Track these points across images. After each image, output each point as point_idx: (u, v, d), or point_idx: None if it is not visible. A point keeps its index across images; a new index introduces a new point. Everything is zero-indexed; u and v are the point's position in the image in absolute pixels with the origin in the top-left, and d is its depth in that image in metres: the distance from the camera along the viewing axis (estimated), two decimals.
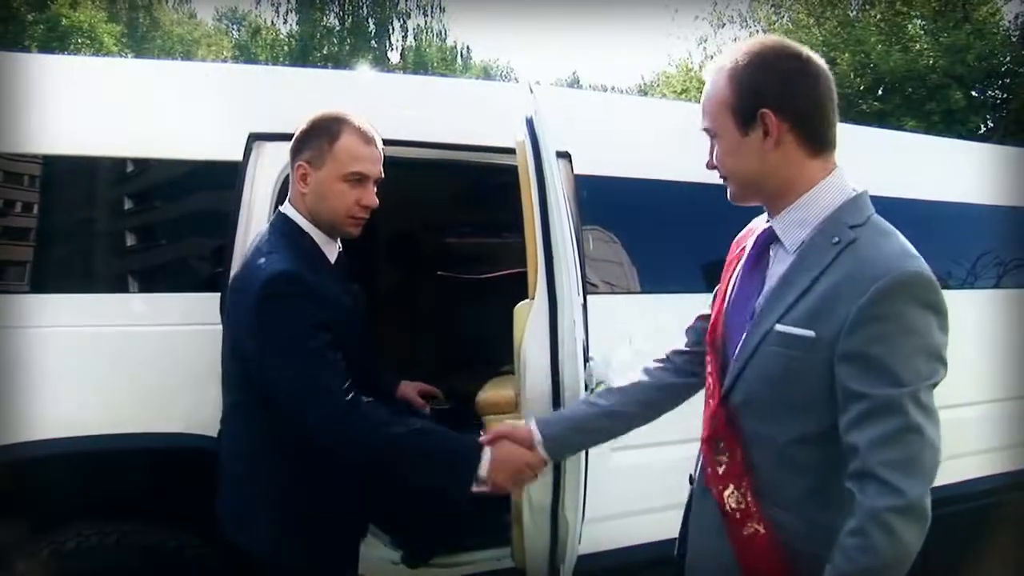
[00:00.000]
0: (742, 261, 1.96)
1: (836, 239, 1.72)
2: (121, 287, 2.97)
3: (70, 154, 2.92)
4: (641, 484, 3.49)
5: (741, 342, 1.85)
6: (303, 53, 29.39)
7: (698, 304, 3.57)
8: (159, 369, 2.91)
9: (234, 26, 43.96)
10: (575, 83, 50.90)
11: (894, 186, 4.22)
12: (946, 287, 4.31)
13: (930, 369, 1.62)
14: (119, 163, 2.99)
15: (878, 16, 19.42)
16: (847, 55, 17.67)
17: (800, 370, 1.71)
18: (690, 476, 2.13)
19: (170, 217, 3.08)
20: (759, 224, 1.98)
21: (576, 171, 3.44)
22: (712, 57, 18.17)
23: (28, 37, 24.41)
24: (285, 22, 31.24)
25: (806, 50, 1.80)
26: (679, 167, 3.70)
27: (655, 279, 3.63)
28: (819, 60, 1.80)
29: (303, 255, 2.36)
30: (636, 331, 3.48)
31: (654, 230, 3.67)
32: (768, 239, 1.87)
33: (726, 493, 1.86)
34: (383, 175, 2.44)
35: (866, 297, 1.61)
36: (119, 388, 2.87)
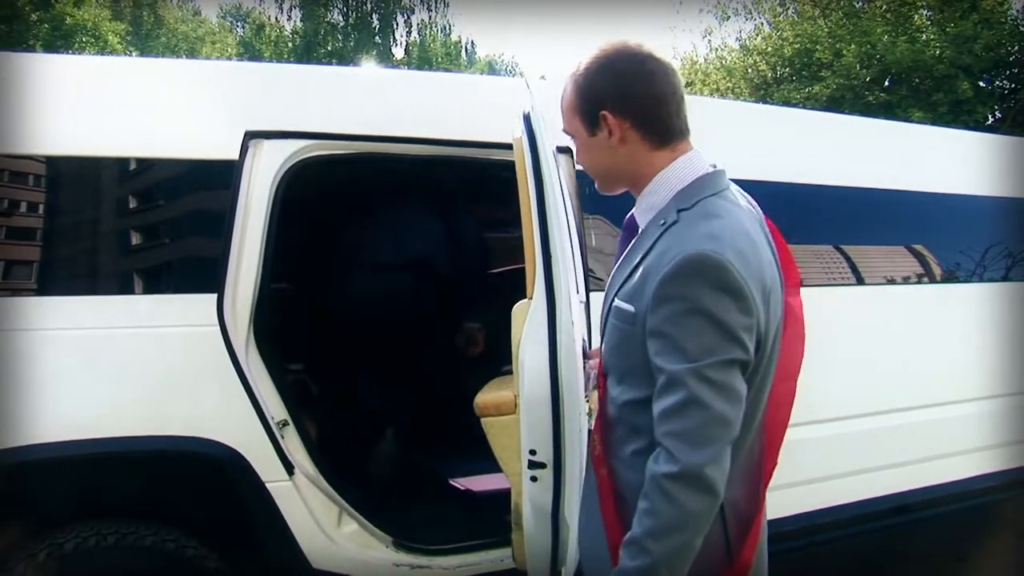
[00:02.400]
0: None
1: (663, 221, 1.84)
2: (127, 288, 2.97)
3: (72, 155, 2.90)
4: None
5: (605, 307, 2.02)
6: (307, 50, 29.35)
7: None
8: (159, 371, 2.90)
9: (238, 23, 43.98)
10: None
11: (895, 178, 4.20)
12: (952, 280, 4.34)
13: (721, 347, 1.69)
14: (121, 163, 2.97)
15: (884, 7, 19.30)
16: (853, 46, 17.57)
17: (628, 341, 1.86)
18: None
19: (169, 217, 3.06)
20: None
21: (579, 166, 3.39)
22: (717, 50, 18.13)
23: (32, 36, 24.44)
24: (289, 18, 31.21)
25: (647, 50, 1.90)
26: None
27: None
28: (659, 58, 1.91)
29: None
30: None
31: None
32: (633, 225, 2.00)
33: (593, 439, 2.08)
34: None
35: (660, 277, 1.73)
36: (121, 390, 2.86)
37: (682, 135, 1.93)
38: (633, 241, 1.95)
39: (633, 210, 2.02)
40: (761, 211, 2.04)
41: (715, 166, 1.94)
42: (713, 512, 1.72)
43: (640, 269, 1.83)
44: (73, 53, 19.23)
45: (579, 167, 2.09)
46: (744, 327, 1.72)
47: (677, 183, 1.89)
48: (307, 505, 3.02)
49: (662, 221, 1.84)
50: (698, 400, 1.67)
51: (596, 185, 2.05)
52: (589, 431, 2.28)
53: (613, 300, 1.92)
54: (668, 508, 1.67)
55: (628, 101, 1.88)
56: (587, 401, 2.42)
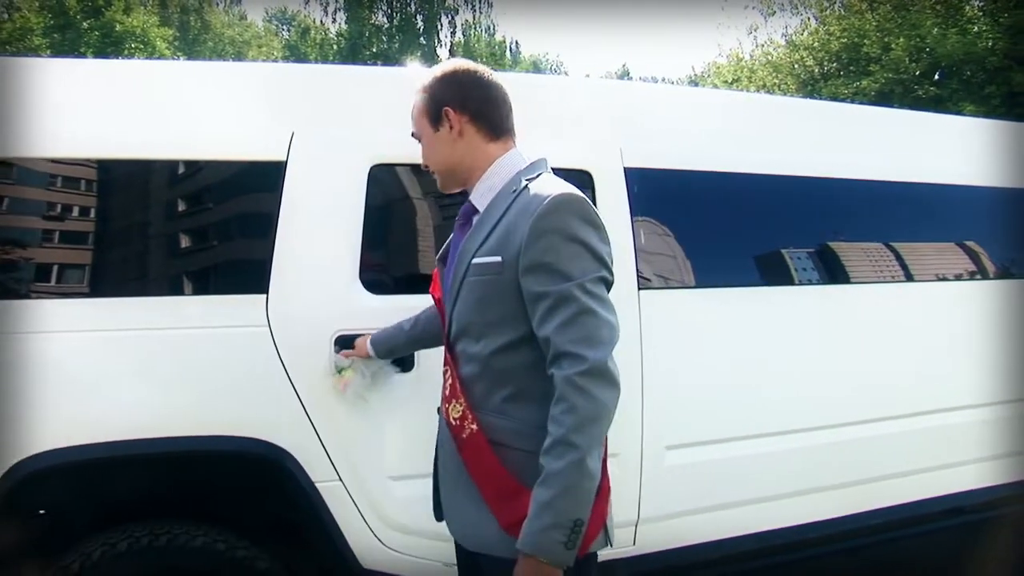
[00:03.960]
0: (454, 233, 2.38)
1: (513, 188, 2.17)
2: (176, 290, 3.00)
3: (122, 158, 2.93)
4: (696, 483, 3.45)
5: (450, 284, 2.27)
6: (352, 51, 29.54)
7: (749, 297, 3.52)
8: (210, 371, 2.92)
9: (284, 26, 44.43)
10: (625, 75, 50.68)
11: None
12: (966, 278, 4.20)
13: (593, 267, 2.03)
14: (170, 165, 3.00)
15: None
16: (902, 40, 17.31)
17: (493, 290, 2.11)
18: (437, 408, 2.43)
19: (217, 219, 3.08)
20: None
21: (626, 164, 3.39)
22: (763, 46, 17.98)
23: (84, 44, 24.90)
24: (334, 21, 31.45)
25: (484, 68, 2.32)
26: (730, 157, 3.64)
27: (709, 273, 3.56)
28: (493, 75, 2.31)
29: None
30: (688, 324, 3.44)
31: (707, 222, 3.62)
32: (470, 211, 2.29)
33: (449, 409, 2.23)
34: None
35: (533, 218, 2.02)
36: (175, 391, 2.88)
37: (512, 135, 2.31)
38: (478, 217, 2.23)
39: (469, 200, 2.29)
40: None
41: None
42: (616, 404, 1.99)
43: (499, 227, 2.12)
44: (123, 58, 19.53)
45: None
46: (606, 253, 2.07)
47: (515, 166, 2.24)
48: (357, 505, 3.01)
49: (513, 189, 2.16)
50: (587, 309, 1.98)
51: (438, 184, 2.36)
52: (438, 409, 2.40)
53: (470, 262, 2.16)
54: (585, 402, 1.92)
55: (467, 101, 2.24)
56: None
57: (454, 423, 2.21)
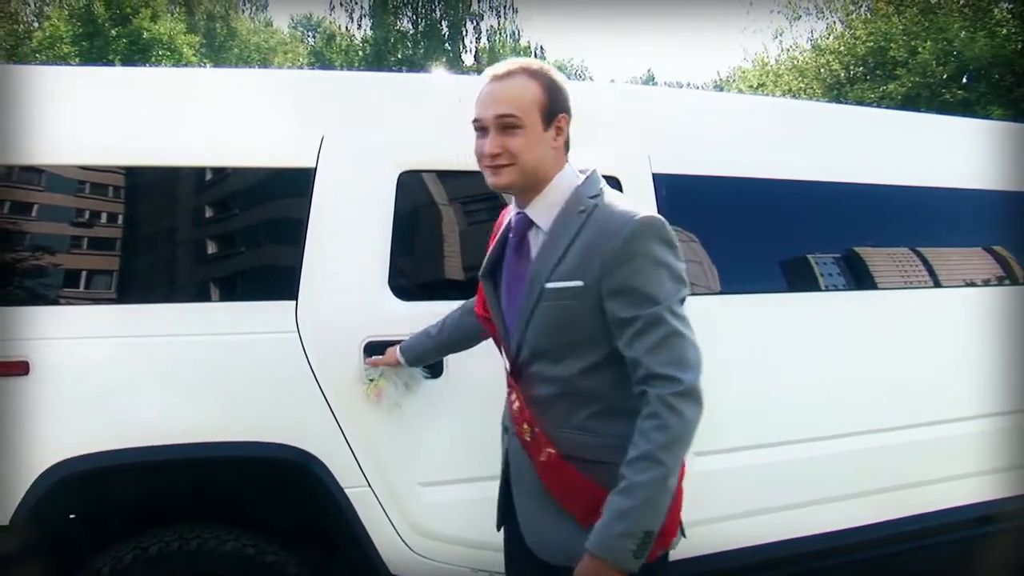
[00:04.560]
0: (507, 251, 2.34)
1: (581, 208, 2.15)
2: (206, 296, 3.02)
3: (151, 165, 2.96)
4: (724, 489, 3.44)
5: (519, 309, 2.23)
6: (377, 57, 29.67)
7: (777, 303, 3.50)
8: (240, 377, 2.94)
9: (309, 33, 44.67)
10: (650, 80, 50.57)
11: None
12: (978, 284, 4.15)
13: (676, 288, 2.07)
14: (200, 172, 3.02)
15: (961, 1, 18.84)
16: (929, 43, 17.15)
17: (575, 314, 2.11)
18: (503, 426, 2.47)
19: (247, 225, 3.10)
20: (509, 214, 2.38)
21: (655, 170, 3.40)
22: (788, 51, 17.86)
23: (112, 51, 25.14)
24: (359, 27, 31.64)
25: None
26: (757, 162, 3.63)
27: (737, 279, 3.55)
28: None
29: None
30: (716, 331, 3.43)
31: (736, 228, 3.62)
32: (525, 226, 2.26)
33: (522, 430, 2.24)
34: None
35: (619, 242, 2.04)
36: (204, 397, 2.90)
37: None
38: (543, 237, 2.20)
39: (518, 211, 2.28)
40: None
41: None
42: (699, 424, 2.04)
43: (574, 249, 2.12)
44: (151, 66, 19.70)
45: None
46: (684, 270, 2.12)
47: (572, 182, 2.22)
48: (385, 511, 3.02)
49: (580, 209, 2.15)
50: (676, 331, 2.02)
51: (503, 180, 2.20)
52: (505, 427, 2.43)
53: (544, 286, 2.14)
54: (677, 421, 1.97)
55: (570, 113, 2.23)
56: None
57: (528, 443, 2.24)
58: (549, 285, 2.13)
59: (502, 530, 2.50)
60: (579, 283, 2.09)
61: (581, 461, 2.14)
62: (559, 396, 2.17)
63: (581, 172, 2.26)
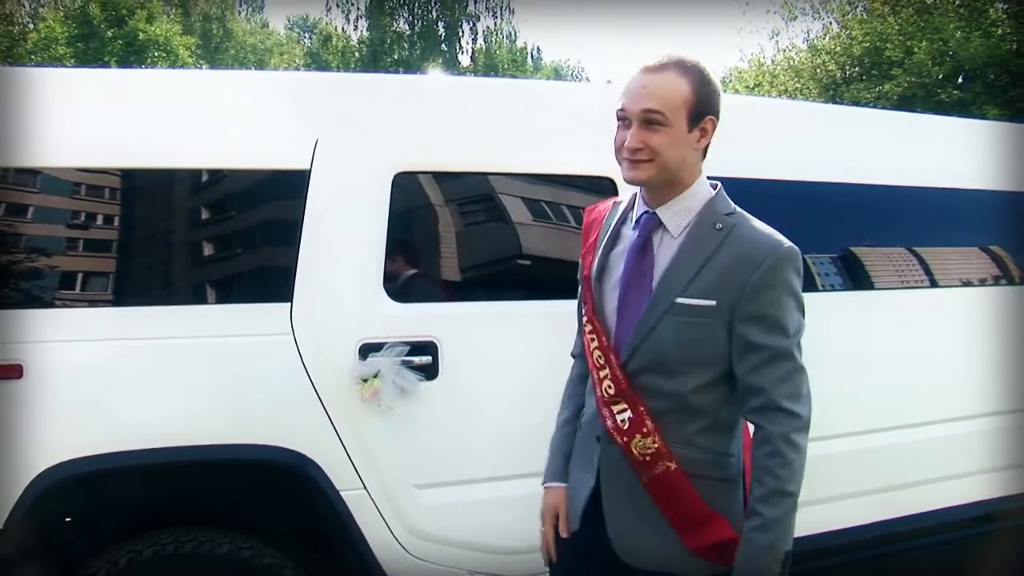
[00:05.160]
0: (628, 245, 2.26)
1: (719, 225, 2.15)
2: (201, 298, 3.01)
3: (146, 167, 2.95)
4: None
5: (641, 316, 2.18)
6: (374, 58, 29.66)
7: None
8: (234, 380, 2.93)
9: (305, 34, 44.67)
10: None
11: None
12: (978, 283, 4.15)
13: (802, 321, 2.14)
14: (194, 174, 3.01)
15: (957, 1, 18.84)
16: (924, 43, 17.15)
17: (703, 333, 2.12)
18: (578, 426, 2.45)
19: (242, 227, 3.10)
20: (620, 207, 2.36)
21: None
22: (784, 51, 17.86)
23: (107, 53, 25.12)
24: (355, 28, 31.63)
25: None
26: (753, 163, 3.62)
27: None
28: None
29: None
30: None
31: None
32: (652, 226, 2.22)
33: (632, 443, 2.18)
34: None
35: (760, 270, 2.07)
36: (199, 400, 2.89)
37: None
38: (675, 242, 2.18)
39: (646, 209, 2.23)
40: None
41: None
42: None
43: (711, 268, 2.11)
44: (146, 67, 19.69)
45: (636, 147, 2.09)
46: (803, 303, 2.16)
47: (707, 193, 2.20)
48: (381, 513, 3.01)
49: (718, 226, 2.15)
50: (800, 367, 2.11)
51: (641, 175, 2.15)
52: (597, 437, 2.30)
53: (675, 300, 2.13)
54: (797, 456, 2.06)
55: (717, 119, 2.18)
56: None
57: (641, 458, 2.19)
58: (680, 300, 2.13)
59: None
60: (713, 303, 2.10)
61: (692, 476, 2.17)
62: (670, 410, 2.18)
63: (717, 188, 2.25)
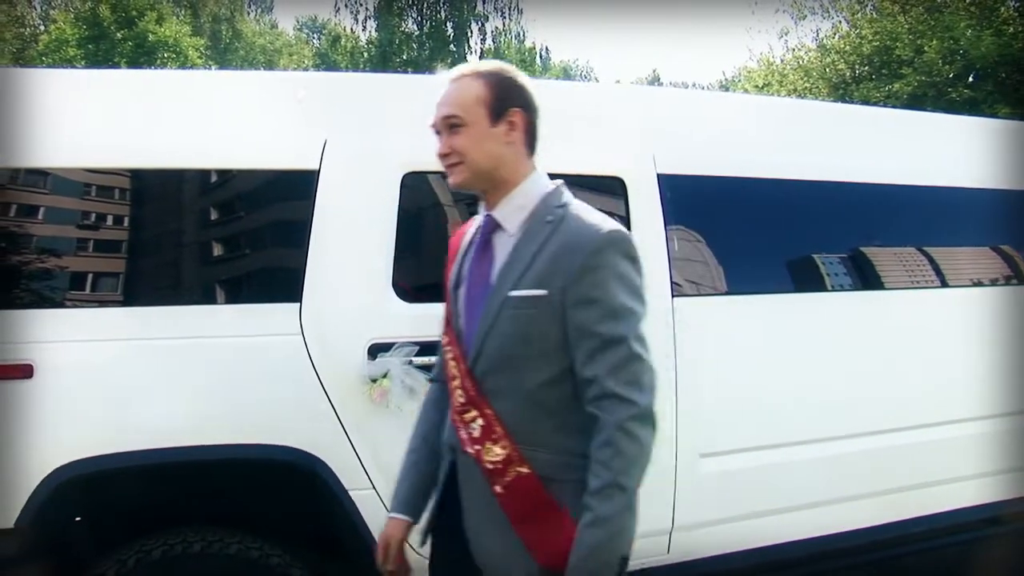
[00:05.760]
0: (470, 252, 2.28)
1: (549, 218, 2.13)
2: (210, 299, 3.03)
3: (155, 167, 2.96)
4: (730, 491, 3.44)
5: (480, 315, 2.16)
6: (382, 59, 29.67)
7: (783, 304, 3.48)
8: (242, 379, 2.93)
9: (314, 35, 44.74)
10: (655, 80, 50.56)
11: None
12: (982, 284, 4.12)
13: (638, 306, 2.07)
14: (204, 175, 3.02)
15: (967, 0, 18.78)
16: (935, 42, 17.07)
17: (537, 324, 2.07)
18: (447, 445, 2.32)
19: (251, 228, 3.11)
20: (476, 222, 2.33)
21: (660, 170, 3.39)
22: (794, 50, 17.77)
23: (117, 54, 25.22)
24: (364, 29, 31.63)
25: None
26: (762, 162, 3.62)
27: (743, 279, 3.54)
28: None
29: None
30: (721, 331, 3.43)
31: (741, 228, 3.61)
32: (491, 228, 2.22)
33: (483, 452, 2.14)
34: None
35: (583, 254, 2.03)
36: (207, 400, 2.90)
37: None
38: (511, 244, 2.16)
39: (486, 213, 2.24)
40: None
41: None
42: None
43: (541, 259, 2.08)
44: (156, 68, 19.75)
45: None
46: (642, 287, 2.11)
47: (543, 188, 2.20)
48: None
49: (548, 218, 2.13)
50: (636, 354, 2.02)
51: (457, 179, 2.18)
52: (451, 447, 2.26)
53: (508, 294, 2.10)
54: (632, 445, 1.97)
55: (529, 109, 2.19)
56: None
57: (492, 466, 2.13)
58: (513, 293, 2.10)
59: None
60: (544, 292, 2.06)
61: (547, 480, 2.10)
62: (519, 410, 2.13)
63: (551, 183, 2.24)
